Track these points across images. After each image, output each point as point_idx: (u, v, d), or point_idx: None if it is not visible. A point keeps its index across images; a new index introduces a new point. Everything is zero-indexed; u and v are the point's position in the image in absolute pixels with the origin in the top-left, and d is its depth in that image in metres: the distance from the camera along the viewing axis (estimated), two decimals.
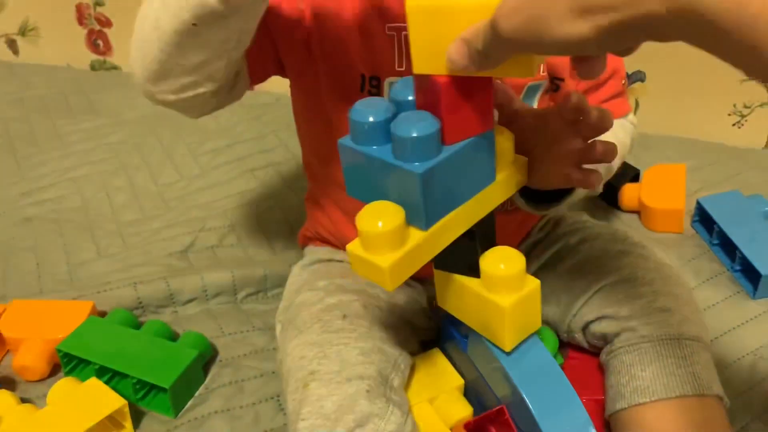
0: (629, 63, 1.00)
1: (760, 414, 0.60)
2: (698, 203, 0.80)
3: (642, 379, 0.53)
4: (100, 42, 1.28)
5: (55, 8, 1.27)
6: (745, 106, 1.00)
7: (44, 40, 1.33)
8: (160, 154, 1.00)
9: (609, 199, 0.87)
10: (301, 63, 0.58)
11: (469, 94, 0.42)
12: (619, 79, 0.66)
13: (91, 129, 1.07)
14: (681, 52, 0.94)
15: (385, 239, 0.42)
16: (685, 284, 0.62)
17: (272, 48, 0.58)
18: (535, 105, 0.61)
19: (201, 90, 0.52)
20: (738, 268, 0.74)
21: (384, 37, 0.55)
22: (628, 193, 0.85)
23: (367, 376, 0.51)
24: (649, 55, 0.96)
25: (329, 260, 0.66)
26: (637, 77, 1.03)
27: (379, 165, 0.43)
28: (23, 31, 1.32)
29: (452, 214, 0.44)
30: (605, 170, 0.60)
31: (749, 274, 0.72)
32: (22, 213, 0.89)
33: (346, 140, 0.44)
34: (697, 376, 0.53)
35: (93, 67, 1.32)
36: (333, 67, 0.57)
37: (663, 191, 0.83)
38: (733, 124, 1.03)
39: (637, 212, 0.85)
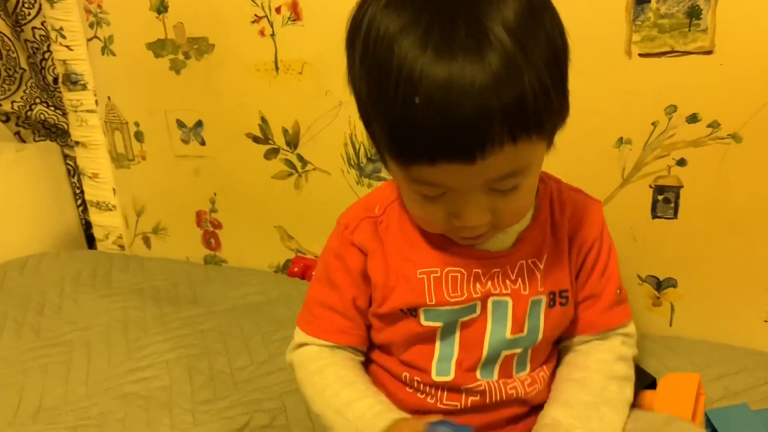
0: (660, 269, 1.08)
1: None
2: (706, 415, 0.83)
3: None
4: (212, 240, 1.55)
5: (181, 213, 1.56)
6: None
7: (171, 238, 1.62)
8: (238, 342, 1.17)
9: None
10: None
11: None
12: (615, 288, 0.75)
13: (189, 317, 1.27)
14: (710, 257, 1.02)
15: None
16: None
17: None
18: (542, 318, 0.71)
19: None
20: None
21: (416, 279, 0.70)
22: (643, 400, 0.89)
23: None
24: (680, 261, 1.04)
25: None
26: (668, 283, 1.09)
27: None
28: (156, 230, 1.63)
29: None
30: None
31: None
32: (122, 389, 1.07)
33: None
34: None
35: (206, 261, 1.58)
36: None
37: (675, 400, 0.86)
38: None
39: None
